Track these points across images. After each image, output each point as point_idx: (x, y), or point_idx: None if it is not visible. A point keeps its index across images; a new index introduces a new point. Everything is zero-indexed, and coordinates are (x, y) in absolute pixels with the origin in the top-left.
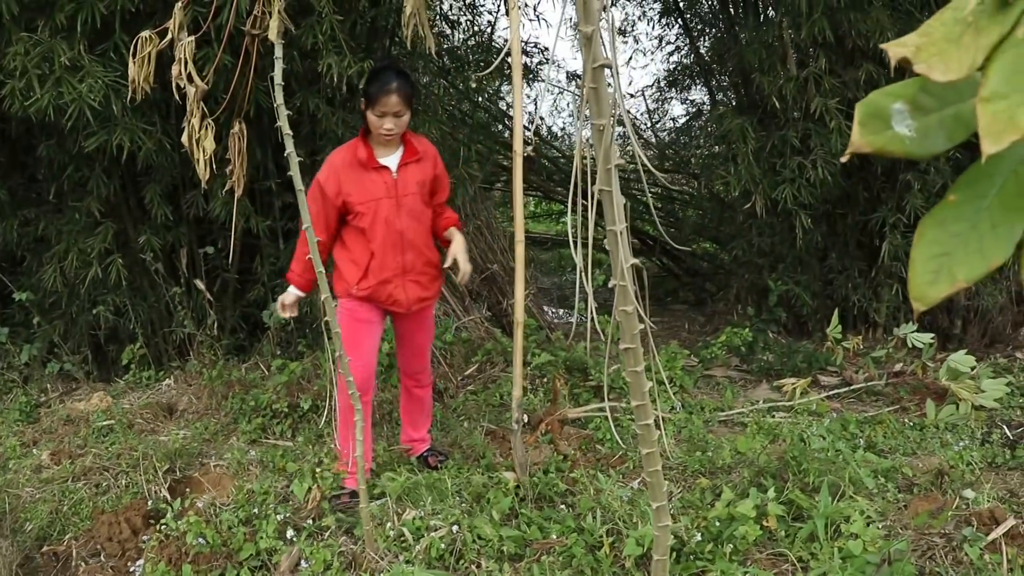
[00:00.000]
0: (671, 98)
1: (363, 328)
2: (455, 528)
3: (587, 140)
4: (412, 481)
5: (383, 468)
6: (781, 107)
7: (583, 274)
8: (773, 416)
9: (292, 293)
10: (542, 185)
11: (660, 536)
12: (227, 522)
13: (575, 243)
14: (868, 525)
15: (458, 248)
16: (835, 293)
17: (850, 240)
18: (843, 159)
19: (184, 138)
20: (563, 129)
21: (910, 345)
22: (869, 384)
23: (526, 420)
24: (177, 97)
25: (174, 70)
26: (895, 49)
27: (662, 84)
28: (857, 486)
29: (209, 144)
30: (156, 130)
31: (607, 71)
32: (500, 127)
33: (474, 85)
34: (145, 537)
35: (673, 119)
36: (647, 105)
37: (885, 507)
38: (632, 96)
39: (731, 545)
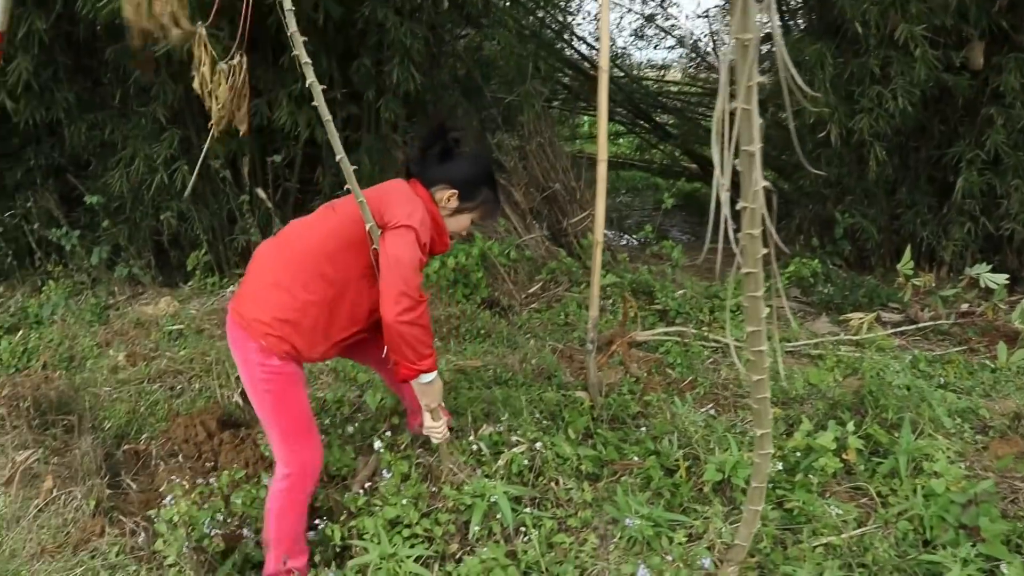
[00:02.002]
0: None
1: (304, 393)
2: (538, 445)
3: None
4: (486, 395)
5: (447, 387)
6: (863, 33)
7: (718, 193)
8: (838, 349)
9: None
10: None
11: (760, 463)
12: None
13: (721, 159)
14: (950, 464)
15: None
16: (902, 228)
17: (922, 174)
18: None
19: (195, 85)
20: (624, 48)
21: (982, 285)
22: (936, 323)
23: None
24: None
25: (156, 7)
26: None
27: (726, 4)
28: (935, 425)
29: (223, 93)
30: (224, 35)
31: None
32: (561, 45)
33: None
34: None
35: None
36: (710, 28)
37: (964, 448)
38: (699, 17)
39: (810, 476)
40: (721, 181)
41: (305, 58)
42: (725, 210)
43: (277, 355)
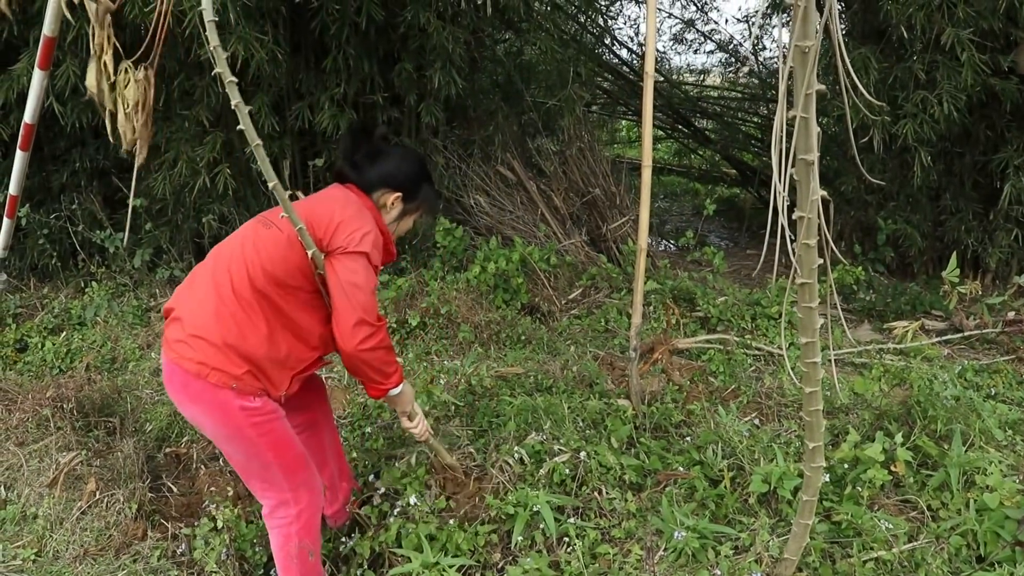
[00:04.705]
0: (779, 25)
1: (289, 425)
2: (582, 455)
3: (786, 59)
4: (528, 404)
5: (488, 393)
6: (909, 37)
7: (777, 202)
8: (883, 358)
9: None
10: (641, 109)
11: (812, 476)
12: (342, 435)
13: (780, 168)
14: (1004, 478)
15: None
16: (946, 235)
17: (967, 180)
18: None
19: (89, 82)
20: (663, 52)
21: None
22: (982, 331)
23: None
24: (68, 16)
25: None
26: None
27: (768, 10)
28: (986, 437)
29: (131, 93)
30: (268, 39)
31: None
32: (601, 49)
33: None
34: None
35: (785, 47)
36: (750, 31)
37: (1017, 461)
38: (740, 22)
39: (858, 488)
40: (780, 190)
41: (229, 76)
42: (783, 218)
43: (254, 394)
